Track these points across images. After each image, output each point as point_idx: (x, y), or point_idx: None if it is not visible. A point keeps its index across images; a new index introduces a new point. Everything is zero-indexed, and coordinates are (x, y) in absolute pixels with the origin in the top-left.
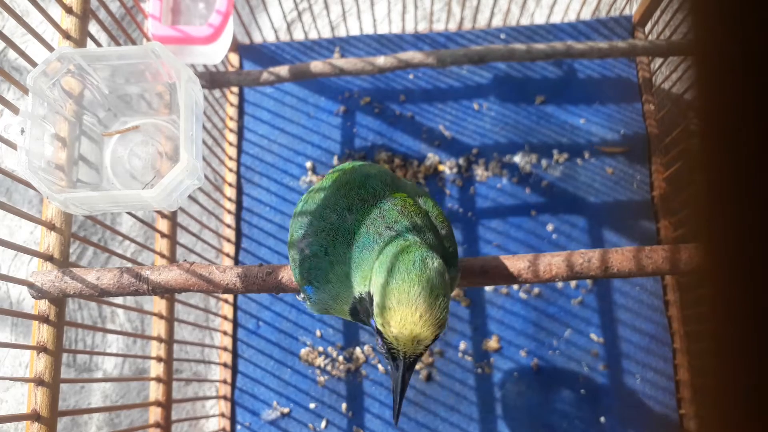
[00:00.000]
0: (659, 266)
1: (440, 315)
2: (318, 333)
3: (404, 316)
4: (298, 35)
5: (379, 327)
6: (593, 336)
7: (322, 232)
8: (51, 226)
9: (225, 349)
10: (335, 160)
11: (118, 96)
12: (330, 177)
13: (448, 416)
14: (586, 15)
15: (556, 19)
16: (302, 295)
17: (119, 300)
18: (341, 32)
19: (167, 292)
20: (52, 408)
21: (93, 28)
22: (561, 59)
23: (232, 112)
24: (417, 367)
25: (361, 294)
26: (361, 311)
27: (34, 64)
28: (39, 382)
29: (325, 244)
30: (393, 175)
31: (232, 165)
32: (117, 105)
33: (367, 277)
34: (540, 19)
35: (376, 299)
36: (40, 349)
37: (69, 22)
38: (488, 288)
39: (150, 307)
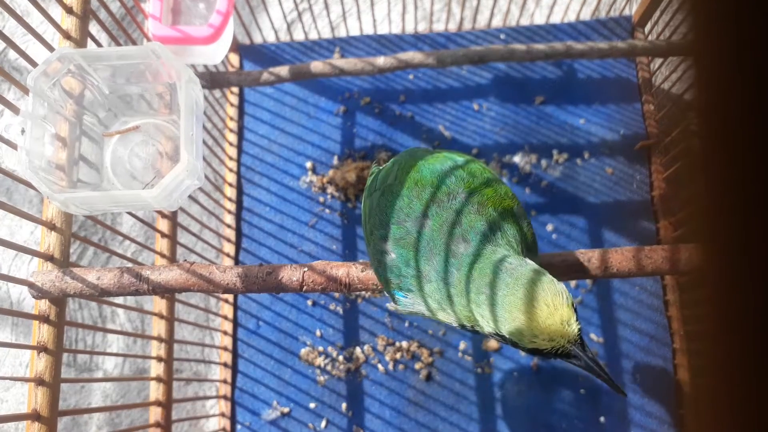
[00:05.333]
0: (659, 266)
1: (572, 307)
2: (318, 333)
3: (552, 333)
4: (298, 35)
5: (528, 346)
6: (593, 336)
7: (402, 239)
8: (51, 226)
9: (225, 348)
10: (335, 160)
11: (119, 96)
12: (398, 166)
13: (448, 416)
14: (586, 15)
15: (556, 19)
16: (389, 299)
17: (119, 300)
18: (341, 32)
19: (167, 291)
20: (53, 408)
21: (93, 28)
22: (561, 59)
23: (232, 112)
24: (417, 366)
25: (480, 327)
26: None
27: (34, 64)
28: (39, 381)
29: (406, 253)
30: (463, 161)
31: (233, 165)
32: (117, 105)
33: (479, 310)
34: (540, 20)
35: (511, 332)
36: (41, 348)
37: (69, 23)
38: None
39: (150, 306)
